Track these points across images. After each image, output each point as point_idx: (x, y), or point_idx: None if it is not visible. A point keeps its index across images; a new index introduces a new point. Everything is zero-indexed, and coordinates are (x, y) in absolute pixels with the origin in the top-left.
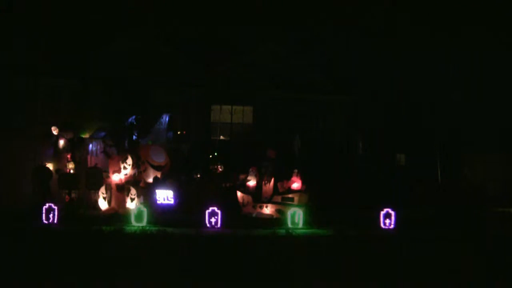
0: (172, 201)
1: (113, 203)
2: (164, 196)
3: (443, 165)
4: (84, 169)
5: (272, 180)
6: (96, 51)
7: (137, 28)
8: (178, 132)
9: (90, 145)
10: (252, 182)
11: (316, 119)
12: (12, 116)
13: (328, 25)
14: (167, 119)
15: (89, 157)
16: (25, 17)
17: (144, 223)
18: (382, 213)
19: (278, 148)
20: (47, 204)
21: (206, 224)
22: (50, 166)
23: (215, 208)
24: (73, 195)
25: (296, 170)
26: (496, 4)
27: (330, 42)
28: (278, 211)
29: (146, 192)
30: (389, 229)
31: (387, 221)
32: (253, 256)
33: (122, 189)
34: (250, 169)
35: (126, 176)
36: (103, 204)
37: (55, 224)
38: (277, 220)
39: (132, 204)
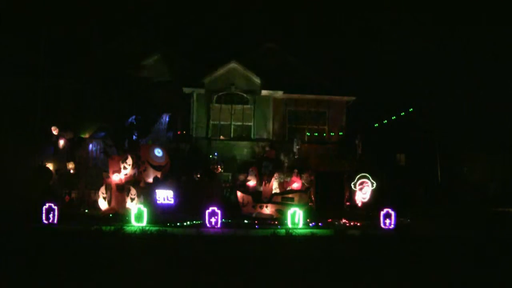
0: (172, 201)
1: (113, 203)
2: (164, 196)
3: (443, 165)
4: (84, 169)
5: (272, 180)
6: (96, 51)
7: (137, 28)
8: (178, 132)
9: (90, 145)
10: (252, 182)
11: (316, 119)
12: (12, 116)
13: (328, 25)
14: (167, 119)
15: (89, 157)
16: (26, 18)
17: (144, 223)
18: (382, 213)
19: (277, 148)
20: (47, 204)
21: (206, 224)
22: (50, 166)
23: (215, 208)
24: (73, 195)
25: (296, 170)
26: (496, 4)
27: (330, 43)
28: (278, 211)
29: (146, 192)
30: (389, 229)
31: (387, 221)
32: (252, 256)
33: (122, 189)
34: (250, 169)
35: (126, 176)
36: (103, 204)
37: (55, 224)
38: (277, 220)
39: (132, 204)
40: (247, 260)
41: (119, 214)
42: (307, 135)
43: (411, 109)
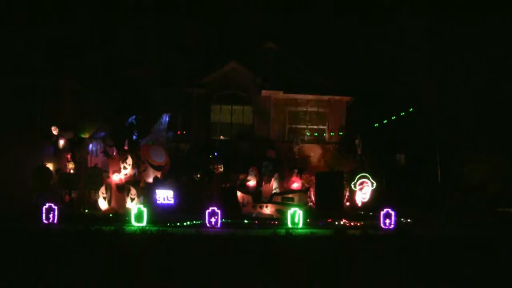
0: (172, 201)
1: (113, 203)
2: (164, 196)
3: (443, 165)
4: (84, 169)
5: (272, 180)
6: (96, 51)
7: (137, 28)
8: (178, 132)
9: (90, 145)
10: (252, 182)
11: (316, 119)
12: (12, 116)
13: (328, 25)
14: (167, 119)
15: (89, 157)
16: (26, 18)
17: (144, 223)
18: (382, 213)
19: (278, 148)
20: (47, 204)
21: (206, 224)
22: (50, 166)
23: (215, 208)
24: (73, 195)
25: (296, 170)
26: (497, 5)
27: (330, 43)
28: (278, 211)
29: (146, 192)
30: (389, 229)
31: (387, 221)
32: (252, 256)
33: (122, 189)
34: (250, 169)
35: (126, 176)
36: (103, 204)
37: (55, 224)
38: (277, 220)
39: (132, 204)
40: (247, 260)
41: (119, 214)
42: (307, 135)
43: (411, 109)
